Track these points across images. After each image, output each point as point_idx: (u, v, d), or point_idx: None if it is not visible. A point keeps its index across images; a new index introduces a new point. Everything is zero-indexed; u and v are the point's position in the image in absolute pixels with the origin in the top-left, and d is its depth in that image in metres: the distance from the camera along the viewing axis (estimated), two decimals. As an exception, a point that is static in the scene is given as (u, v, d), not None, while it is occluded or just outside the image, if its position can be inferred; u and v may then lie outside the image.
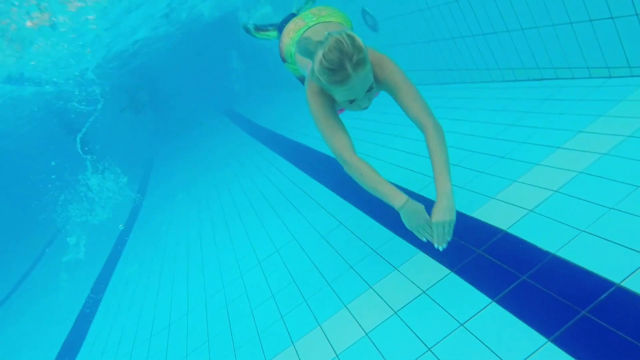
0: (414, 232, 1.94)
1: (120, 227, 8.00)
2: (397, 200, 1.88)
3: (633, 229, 1.89)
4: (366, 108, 2.00)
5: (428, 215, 1.90)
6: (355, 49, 1.77)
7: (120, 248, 6.98)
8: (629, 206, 2.01)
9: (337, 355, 2.18)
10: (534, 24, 3.44)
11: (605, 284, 1.74)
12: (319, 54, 1.81)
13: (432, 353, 1.90)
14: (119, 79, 15.45)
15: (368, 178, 1.93)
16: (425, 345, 1.95)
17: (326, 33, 1.84)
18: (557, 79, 3.56)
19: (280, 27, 2.82)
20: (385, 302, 2.33)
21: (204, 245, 4.82)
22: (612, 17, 2.86)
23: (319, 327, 2.45)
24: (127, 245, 6.93)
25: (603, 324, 1.61)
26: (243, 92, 15.83)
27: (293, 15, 2.85)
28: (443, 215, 1.86)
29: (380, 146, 4.34)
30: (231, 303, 3.28)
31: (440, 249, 1.90)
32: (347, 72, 1.79)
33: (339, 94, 1.90)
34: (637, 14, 2.72)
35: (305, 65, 2.25)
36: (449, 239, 1.89)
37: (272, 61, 11.30)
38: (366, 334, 2.20)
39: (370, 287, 2.50)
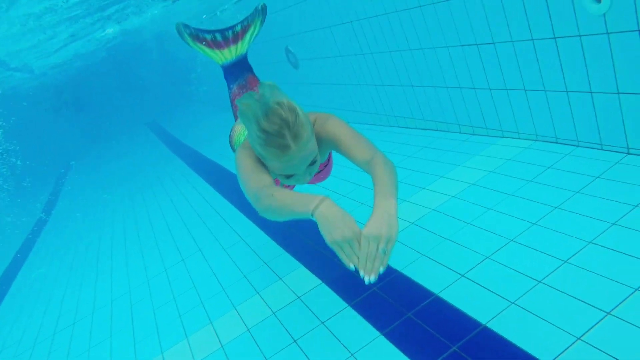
0: (334, 249, 1.34)
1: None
2: (311, 202, 1.36)
3: (465, 257, 2.47)
4: (305, 183, 1.74)
5: (357, 227, 1.35)
6: (293, 118, 1.54)
7: (27, 251, 6.97)
8: (461, 237, 2.61)
9: (222, 346, 2.60)
10: (420, 84, 4.12)
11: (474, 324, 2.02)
12: (257, 117, 1.55)
13: (297, 344, 2.37)
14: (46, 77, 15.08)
15: (279, 196, 1.46)
16: (292, 338, 2.42)
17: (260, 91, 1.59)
18: (436, 130, 4.25)
19: (233, 75, 2.65)
20: (267, 304, 2.78)
21: (115, 250, 5.07)
22: (474, 88, 3.57)
23: (210, 324, 2.86)
24: (35, 248, 6.94)
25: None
26: (169, 105, 15.94)
27: (248, 71, 2.68)
28: (378, 227, 1.33)
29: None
30: (136, 304, 3.60)
31: (367, 280, 1.31)
32: (285, 142, 1.53)
33: (276, 168, 1.63)
34: (490, 89, 3.43)
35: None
36: (381, 268, 1.32)
37: (205, 76, 11.63)
38: (222, 346, 2.63)
39: (257, 293, 2.95)
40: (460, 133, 3.98)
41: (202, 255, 3.86)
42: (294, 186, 2.31)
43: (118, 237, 5.48)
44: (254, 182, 1.62)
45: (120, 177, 9.11)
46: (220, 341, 2.66)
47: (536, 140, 3.31)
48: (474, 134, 3.84)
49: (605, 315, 1.82)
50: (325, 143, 1.82)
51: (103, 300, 3.95)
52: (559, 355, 1.73)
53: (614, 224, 2.26)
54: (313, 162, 1.68)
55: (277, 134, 1.54)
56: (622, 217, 2.27)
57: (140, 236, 5.13)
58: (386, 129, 4.89)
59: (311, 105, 5.78)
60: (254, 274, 3.19)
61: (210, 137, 8.66)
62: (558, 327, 1.85)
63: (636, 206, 2.30)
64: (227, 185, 5.46)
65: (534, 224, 2.49)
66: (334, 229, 1.32)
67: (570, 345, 1.76)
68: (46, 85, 16.31)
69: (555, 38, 2.76)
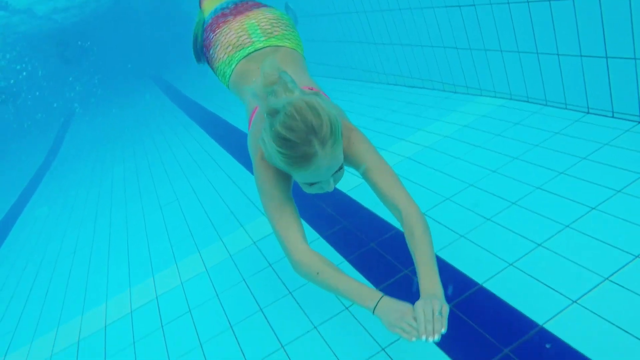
0: (397, 332, 1.29)
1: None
2: (369, 299, 1.35)
3: (428, 198, 2.73)
4: (330, 190, 1.54)
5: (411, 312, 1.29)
6: (321, 123, 1.34)
7: (31, 191, 7.28)
8: (429, 182, 2.86)
9: (206, 269, 2.90)
10: (409, 43, 4.30)
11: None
12: (275, 121, 1.35)
13: (272, 268, 2.65)
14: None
15: (326, 277, 1.42)
16: (268, 262, 2.71)
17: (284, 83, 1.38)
18: (422, 87, 4.45)
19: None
20: (250, 236, 3.07)
21: (115, 192, 5.35)
22: (456, 48, 3.76)
23: (197, 252, 3.15)
24: (39, 190, 7.25)
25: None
26: (173, 59, 16.00)
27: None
28: (426, 300, 1.28)
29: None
30: (132, 236, 3.89)
31: (430, 340, 1.24)
32: (312, 149, 1.33)
33: (299, 176, 1.44)
34: (470, 49, 3.62)
35: (248, 102, 1.90)
36: (443, 329, 1.25)
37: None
38: (206, 269, 2.93)
39: (242, 226, 3.23)
40: (443, 91, 4.18)
41: (196, 195, 4.13)
42: None
43: (118, 181, 5.75)
44: (283, 230, 1.52)
45: (122, 126, 9.35)
46: (205, 265, 2.95)
47: (510, 99, 3.52)
48: (455, 92, 4.05)
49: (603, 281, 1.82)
50: (349, 161, 1.61)
51: (101, 234, 4.24)
52: (554, 317, 1.75)
53: (561, 173, 2.50)
54: (339, 169, 1.47)
55: (301, 141, 1.32)
56: (571, 166, 2.51)
57: (139, 179, 5.40)
58: (376, 86, 5.09)
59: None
60: (241, 212, 3.46)
61: (211, 90, 8.85)
62: (554, 290, 1.87)
63: (584, 158, 2.54)
64: (223, 134, 5.71)
65: (493, 171, 2.74)
66: (393, 319, 1.29)
67: (566, 308, 1.76)
68: (52, 31, 16.34)
69: (528, 2, 2.94)
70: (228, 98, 2.51)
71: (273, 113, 1.36)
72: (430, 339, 1.24)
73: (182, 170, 5.00)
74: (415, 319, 1.26)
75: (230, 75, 2.05)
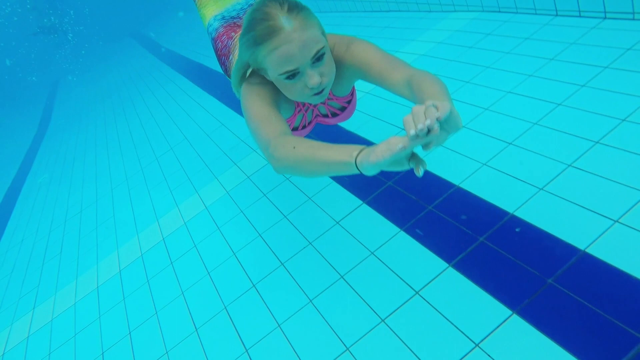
0: (394, 168, 1.04)
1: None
2: (349, 152, 1.09)
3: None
4: (319, 91, 1.37)
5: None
6: None
7: (30, 161, 7.41)
8: (403, 100, 2.97)
9: (206, 207, 3.07)
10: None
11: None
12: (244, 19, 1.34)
13: (267, 197, 2.81)
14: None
15: (303, 148, 1.19)
16: (262, 192, 2.87)
17: None
18: (398, 11, 4.47)
19: None
20: (243, 172, 3.21)
21: (111, 150, 5.47)
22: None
23: (196, 193, 3.31)
24: (37, 159, 7.37)
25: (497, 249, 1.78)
26: (152, 13, 15.68)
27: None
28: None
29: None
30: (133, 188, 4.05)
31: (413, 133, 0.94)
32: (278, 21, 1.26)
33: (272, 62, 1.30)
34: (439, -37, 3.62)
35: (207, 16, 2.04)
36: (433, 144, 0.97)
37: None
38: (206, 207, 3.09)
39: (235, 164, 3.38)
40: (418, 12, 4.21)
41: (188, 142, 4.26)
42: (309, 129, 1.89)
43: (112, 139, 5.85)
44: (266, 129, 1.33)
45: (110, 88, 9.33)
46: (204, 204, 3.12)
47: (482, 11, 3.56)
48: (430, 11, 4.08)
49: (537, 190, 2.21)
50: (351, 71, 1.51)
51: (104, 190, 4.40)
52: (522, 204, 2.10)
53: (530, 75, 2.61)
54: (319, 57, 1.31)
55: (263, 15, 1.27)
56: (539, 68, 2.62)
57: (132, 135, 5.50)
58: (353, 15, 5.09)
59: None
60: (233, 151, 3.59)
61: (192, 40, 8.78)
62: (522, 181, 2.22)
63: (552, 59, 2.64)
64: (208, 81, 5.76)
65: (467, 82, 2.84)
66: (387, 156, 0.98)
67: (533, 195, 2.06)
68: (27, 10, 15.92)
69: None
70: (209, 45, 2.53)
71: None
72: (413, 132, 0.93)
73: (172, 121, 5.10)
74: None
75: (204, 15, 2.11)
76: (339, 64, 1.51)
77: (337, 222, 2.33)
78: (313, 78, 1.32)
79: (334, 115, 1.87)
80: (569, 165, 1.97)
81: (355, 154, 1.08)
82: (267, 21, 1.26)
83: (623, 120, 2.03)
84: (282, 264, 2.29)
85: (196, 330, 2.21)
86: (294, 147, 1.22)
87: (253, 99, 1.43)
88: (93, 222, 3.91)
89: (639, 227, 1.61)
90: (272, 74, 1.36)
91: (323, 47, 1.31)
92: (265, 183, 2.94)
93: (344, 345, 1.78)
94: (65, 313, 2.87)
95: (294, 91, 1.37)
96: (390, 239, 2.09)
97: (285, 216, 2.57)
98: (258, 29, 1.27)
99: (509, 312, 1.58)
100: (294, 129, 1.80)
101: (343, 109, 1.85)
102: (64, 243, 3.82)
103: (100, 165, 5.20)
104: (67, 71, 15.15)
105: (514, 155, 2.17)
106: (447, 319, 1.67)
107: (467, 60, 3.06)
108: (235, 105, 4.36)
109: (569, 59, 2.57)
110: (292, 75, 1.32)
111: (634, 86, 2.17)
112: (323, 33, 1.34)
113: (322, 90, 1.38)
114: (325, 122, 1.92)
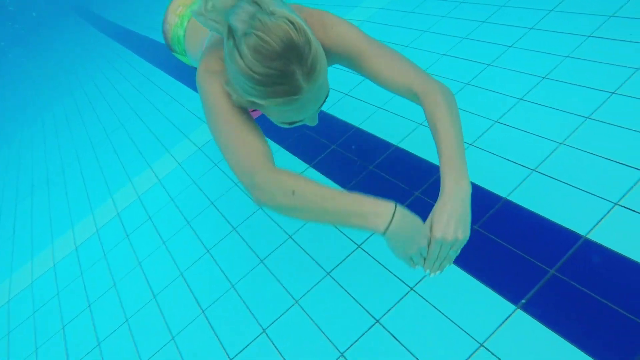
0: (405, 261, 1.09)
1: None
2: (380, 214, 0.98)
3: (350, 79, 2.93)
4: (313, 125, 1.20)
5: (428, 231, 1.07)
6: (305, 42, 0.97)
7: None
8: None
9: (159, 180, 3.11)
10: None
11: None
12: (244, 48, 0.96)
13: (218, 167, 2.88)
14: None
15: (307, 193, 1.00)
16: (213, 162, 2.94)
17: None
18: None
19: None
20: (194, 143, 3.26)
21: (59, 129, 5.38)
22: None
23: (149, 167, 3.35)
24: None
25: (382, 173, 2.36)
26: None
27: None
28: (452, 230, 1.04)
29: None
30: (86, 169, 4.03)
31: (431, 275, 1.12)
32: (297, 85, 0.99)
33: (277, 113, 1.08)
34: None
35: (196, 52, 1.62)
36: (447, 264, 1.11)
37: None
38: (159, 180, 3.14)
39: (186, 136, 3.42)
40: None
41: (139, 118, 4.24)
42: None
43: (61, 120, 5.74)
44: (248, 157, 1.06)
45: (55, 66, 9.04)
46: (157, 177, 3.16)
47: (421, -25, 3.65)
48: (372, -22, 4.14)
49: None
50: (331, 59, 1.24)
51: (55, 172, 4.35)
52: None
53: (464, 38, 2.73)
54: (326, 98, 1.12)
55: (284, 75, 0.96)
56: (471, 32, 2.74)
57: (82, 115, 5.42)
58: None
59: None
60: (183, 124, 3.62)
61: (141, 14, 8.57)
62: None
63: (484, 22, 2.77)
64: (157, 55, 5.69)
65: (406, 46, 2.95)
66: (410, 244, 1.03)
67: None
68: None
69: None
70: (157, 19, 2.48)
71: (238, 34, 0.97)
72: (432, 275, 1.11)
73: (122, 98, 5.04)
74: (428, 244, 1.05)
75: (184, 37, 1.66)
76: (333, 56, 1.25)
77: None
78: (314, 121, 1.17)
79: None
80: (496, 122, 2.12)
81: (384, 224, 0.97)
82: (285, 85, 0.97)
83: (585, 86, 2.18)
84: (234, 228, 2.38)
85: (154, 297, 2.29)
86: (294, 193, 0.99)
87: (219, 107, 1.11)
88: (46, 204, 3.90)
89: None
90: (270, 116, 1.11)
91: (328, 92, 1.12)
92: (216, 153, 3.00)
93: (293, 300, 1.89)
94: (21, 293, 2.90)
95: (289, 128, 1.24)
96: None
97: (235, 183, 2.65)
98: (274, 89, 0.98)
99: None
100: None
101: None
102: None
103: (49, 145, 5.12)
104: (6, 48, 14.51)
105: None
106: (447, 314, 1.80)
107: (408, 26, 3.16)
108: (184, 79, 4.36)
109: (500, 21, 2.70)
110: (293, 122, 1.12)
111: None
112: (326, 72, 1.07)
113: None
114: None
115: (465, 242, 1.07)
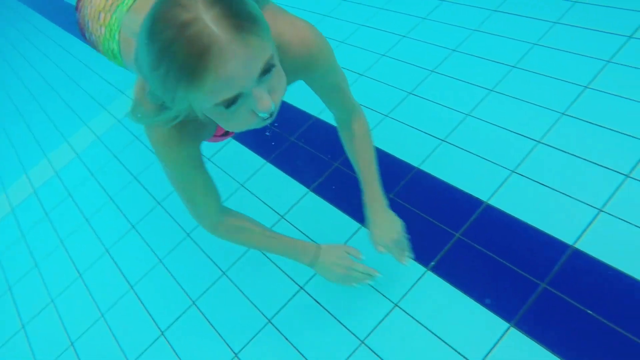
0: (346, 284, 1.42)
1: None
2: (305, 254, 1.40)
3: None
4: (270, 116, 0.91)
5: (357, 253, 1.44)
6: None
7: None
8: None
9: (77, 154, 3.02)
10: None
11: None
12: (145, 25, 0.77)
13: (139, 140, 2.83)
14: None
15: (254, 240, 1.38)
16: (134, 135, 2.88)
17: None
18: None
19: None
20: (113, 115, 3.17)
21: None
22: None
23: (65, 141, 3.23)
24: None
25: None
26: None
27: None
28: (388, 235, 1.40)
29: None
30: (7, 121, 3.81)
31: (405, 263, 1.42)
32: (199, 28, 0.73)
33: (203, 93, 0.80)
34: None
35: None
36: (407, 250, 1.43)
37: None
38: (77, 154, 3.05)
39: (104, 108, 3.31)
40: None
41: (52, 89, 4.03)
42: None
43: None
44: (201, 207, 1.25)
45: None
46: (75, 151, 3.06)
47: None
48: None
49: (407, 95, 2.42)
50: (295, 71, 1.10)
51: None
52: None
53: (381, 8, 2.81)
54: (268, 69, 0.83)
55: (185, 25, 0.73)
56: (368, 19, 2.82)
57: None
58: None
59: None
60: (100, 95, 3.49)
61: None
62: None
63: (381, 8, 2.85)
64: (67, 16, 5.37)
65: (342, 42, 2.98)
66: (338, 268, 1.40)
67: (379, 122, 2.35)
68: None
69: None
70: None
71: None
72: (405, 262, 1.41)
73: (32, 67, 4.74)
74: (357, 269, 1.41)
75: (120, 52, 1.38)
76: (287, 58, 1.03)
77: (209, 158, 2.45)
78: (263, 101, 0.84)
79: None
80: (409, 93, 2.23)
81: (309, 260, 1.40)
82: (185, 30, 0.72)
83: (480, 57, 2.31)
84: (159, 203, 2.38)
85: (80, 275, 2.28)
86: (243, 241, 1.41)
87: (172, 159, 1.09)
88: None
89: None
90: (203, 106, 0.85)
91: (272, 56, 0.83)
92: (137, 126, 2.94)
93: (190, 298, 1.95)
94: None
95: (234, 122, 0.89)
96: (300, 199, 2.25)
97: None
98: (176, 55, 0.74)
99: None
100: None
101: None
102: None
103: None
104: None
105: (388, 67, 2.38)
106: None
107: (342, 17, 3.19)
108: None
109: (394, 8, 2.80)
110: (232, 101, 0.83)
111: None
112: (266, 28, 0.83)
113: (273, 112, 0.91)
114: None
115: (403, 226, 1.43)
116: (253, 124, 0.91)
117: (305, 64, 1.11)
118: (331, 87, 1.27)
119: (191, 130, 1.06)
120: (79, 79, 3.92)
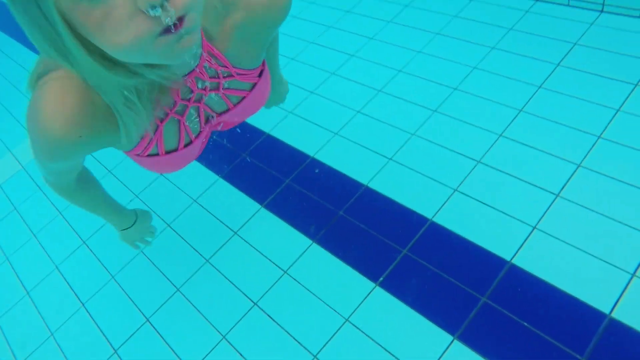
0: (130, 246, 1.64)
1: None
2: (129, 219, 1.52)
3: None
4: (175, 21, 0.60)
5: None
6: None
7: None
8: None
9: (23, 168, 2.94)
10: None
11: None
12: None
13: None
14: None
15: (81, 201, 1.34)
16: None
17: None
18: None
19: None
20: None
21: None
22: None
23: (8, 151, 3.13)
24: None
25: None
26: None
27: None
28: (280, 96, 1.66)
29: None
30: None
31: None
32: None
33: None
34: None
35: None
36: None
37: None
38: (23, 167, 2.96)
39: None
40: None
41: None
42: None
43: None
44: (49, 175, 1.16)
45: None
46: (20, 163, 2.98)
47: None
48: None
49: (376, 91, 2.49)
50: (250, 26, 0.93)
51: None
52: (320, 149, 2.35)
53: (376, 36, 2.89)
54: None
55: None
56: (336, 21, 2.91)
57: None
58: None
59: None
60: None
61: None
62: (319, 126, 2.41)
63: (348, 11, 2.94)
64: (11, 21, 5.17)
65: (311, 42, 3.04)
66: (131, 243, 1.61)
67: (329, 139, 2.40)
68: None
69: None
70: None
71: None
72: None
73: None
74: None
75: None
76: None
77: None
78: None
79: (237, 101, 1.07)
80: (358, 112, 2.32)
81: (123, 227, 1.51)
82: None
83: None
84: (137, 195, 2.38)
85: (56, 267, 2.23)
86: (85, 201, 1.35)
87: (51, 139, 0.84)
88: None
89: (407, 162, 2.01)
90: (64, 6, 0.60)
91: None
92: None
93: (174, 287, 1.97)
94: None
95: (113, 28, 0.59)
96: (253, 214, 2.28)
97: (120, 162, 2.59)
98: None
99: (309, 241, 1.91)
100: (169, 152, 1.03)
101: (249, 88, 1.07)
102: None
103: None
104: None
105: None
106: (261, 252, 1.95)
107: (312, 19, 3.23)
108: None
109: (362, 12, 2.90)
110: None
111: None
112: None
113: (184, 18, 0.61)
114: (227, 124, 1.16)
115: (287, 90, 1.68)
116: (145, 31, 0.59)
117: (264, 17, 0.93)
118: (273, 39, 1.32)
119: (100, 117, 0.83)
120: (20, 85, 3.80)
